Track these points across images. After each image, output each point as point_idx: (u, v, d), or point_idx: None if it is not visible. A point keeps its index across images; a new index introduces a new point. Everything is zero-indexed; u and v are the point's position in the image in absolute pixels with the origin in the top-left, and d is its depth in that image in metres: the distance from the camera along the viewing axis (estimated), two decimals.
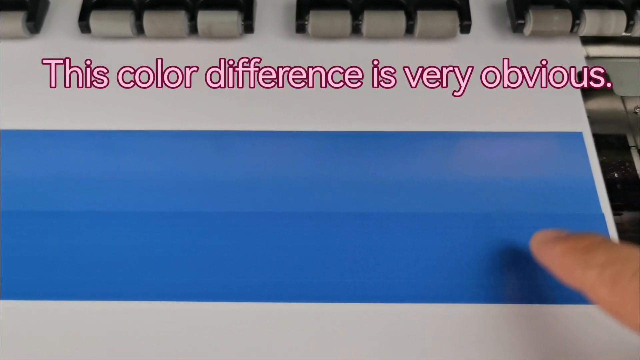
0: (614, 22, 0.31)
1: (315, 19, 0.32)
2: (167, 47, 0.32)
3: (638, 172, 0.29)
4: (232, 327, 0.25)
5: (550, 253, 0.23)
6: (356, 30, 0.32)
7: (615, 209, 0.28)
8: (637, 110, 0.31)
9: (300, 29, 0.32)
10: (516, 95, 0.31)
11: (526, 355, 0.24)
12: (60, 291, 0.26)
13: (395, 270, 0.26)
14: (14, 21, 0.32)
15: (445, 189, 0.28)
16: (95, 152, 0.29)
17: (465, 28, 0.32)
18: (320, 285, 0.26)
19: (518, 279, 0.26)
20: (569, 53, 0.32)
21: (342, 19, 0.31)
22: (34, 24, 0.32)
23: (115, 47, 0.33)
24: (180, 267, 0.26)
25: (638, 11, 0.31)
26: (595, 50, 0.33)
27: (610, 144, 0.30)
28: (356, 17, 0.32)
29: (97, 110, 0.30)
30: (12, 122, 0.30)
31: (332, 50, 0.32)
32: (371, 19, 0.31)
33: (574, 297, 0.25)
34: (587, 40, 0.33)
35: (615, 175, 0.29)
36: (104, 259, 0.26)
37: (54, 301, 0.25)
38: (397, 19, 0.31)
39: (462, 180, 0.28)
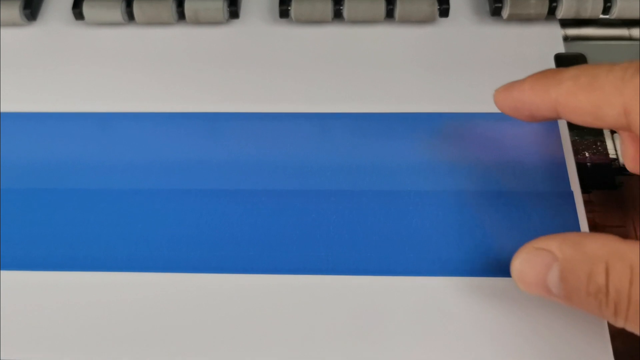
0: (591, 4, 0.32)
1: (298, 5, 0.33)
2: (157, 33, 0.34)
3: (609, 151, 0.29)
4: (214, 298, 0.26)
5: (520, 88, 0.23)
6: (338, 15, 0.33)
7: (585, 187, 0.28)
8: None
9: (284, 14, 0.33)
10: (492, 77, 0.31)
11: (494, 326, 0.25)
12: (60, 262, 0.27)
13: (368, 244, 0.27)
14: (12, 9, 0.33)
15: (418, 168, 0.29)
16: (92, 133, 0.31)
17: (444, 12, 0.32)
18: (297, 258, 0.27)
19: (487, 252, 0.27)
20: (548, 35, 0.33)
21: (323, 4, 0.33)
22: (31, 11, 0.34)
23: (108, 33, 0.34)
24: (167, 242, 0.28)
25: None
26: (574, 32, 0.33)
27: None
28: (338, 2, 0.33)
29: (92, 94, 0.32)
30: (12, 105, 0.32)
31: (315, 34, 0.33)
32: (352, 4, 0.32)
33: None
34: (566, 23, 0.33)
35: (586, 154, 0.29)
36: (103, 234, 0.28)
37: (59, 272, 0.27)
38: (377, 4, 0.32)
39: (435, 159, 0.29)
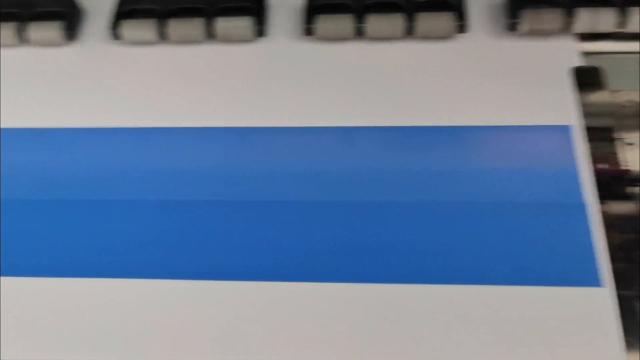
0: (607, 18, 0.33)
1: (322, 23, 0.34)
2: (188, 51, 0.36)
3: (623, 163, 0.30)
4: (243, 304, 0.28)
5: None
6: (360, 32, 0.34)
7: (601, 198, 0.29)
8: (628, 104, 0.32)
9: (309, 32, 0.35)
10: (510, 91, 0.33)
11: (511, 332, 0.26)
12: (65, 269, 0.29)
13: (392, 253, 0.29)
14: (53, 30, 0.36)
15: (439, 180, 0.30)
16: (127, 147, 0.33)
17: (462, 28, 0.34)
18: (322, 267, 0.29)
19: (508, 261, 0.28)
20: (564, 50, 0.34)
21: (346, 22, 0.34)
22: (71, 32, 0.36)
23: (142, 51, 0.36)
24: (197, 250, 0.29)
25: (630, 7, 0.33)
26: (590, 46, 0.34)
27: (598, 136, 0.31)
28: (360, 20, 0.34)
29: (128, 109, 0.34)
30: (53, 122, 0.34)
31: (338, 51, 0.35)
32: (373, 22, 0.34)
33: (560, 279, 0.27)
34: (583, 37, 0.34)
35: (601, 166, 0.30)
36: (122, 242, 0.30)
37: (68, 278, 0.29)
38: (397, 21, 0.34)
39: (455, 171, 0.31)
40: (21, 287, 0.29)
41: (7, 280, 0.29)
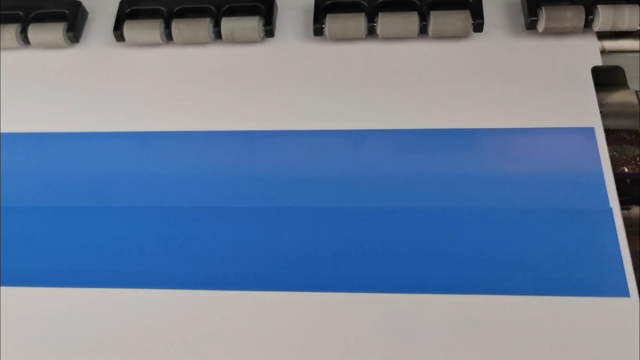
0: (628, 16, 0.31)
1: (332, 22, 0.33)
2: (194, 52, 0.35)
3: None
4: (250, 314, 0.27)
5: None
6: (371, 32, 0.33)
7: (624, 203, 0.28)
8: None
9: (318, 32, 0.34)
10: (529, 92, 0.31)
11: (527, 344, 0.25)
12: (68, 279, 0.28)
13: (402, 261, 0.27)
14: (56, 32, 0.35)
15: (453, 185, 0.29)
16: (131, 151, 0.32)
17: (478, 27, 0.32)
18: (330, 276, 0.27)
19: (524, 271, 0.27)
20: (584, 48, 0.33)
21: (357, 22, 0.33)
22: (74, 34, 0.35)
23: (147, 53, 0.35)
24: (200, 259, 0.28)
25: None
26: (611, 45, 0.33)
27: (622, 139, 0.30)
28: (371, 19, 0.33)
29: (132, 112, 0.33)
30: (55, 126, 0.33)
31: (349, 51, 0.34)
32: (385, 21, 0.33)
33: (585, 288, 0.26)
34: (602, 35, 0.33)
35: (625, 170, 0.29)
36: (124, 250, 0.29)
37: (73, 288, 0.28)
38: (410, 20, 0.33)
39: (470, 176, 0.29)
40: (22, 297, 0.28)
41: (7, 290, 0.28)
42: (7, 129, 0.33)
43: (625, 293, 0.26)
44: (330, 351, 0.26)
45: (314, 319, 0.27)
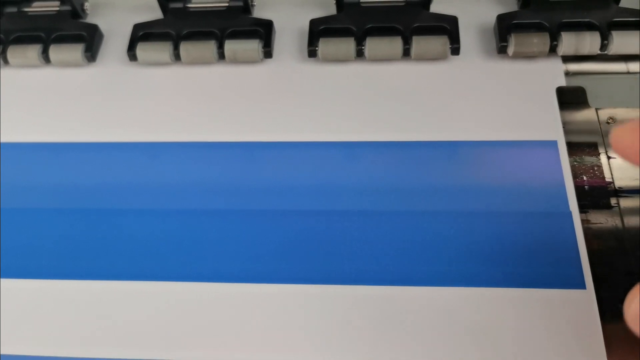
0: (589, 42, 0.35)
1: (324, 46, 0.37)
2: (200, 71, 0.38)
3: (605, 175, 0.33)
4: (250, 305, 0.30)
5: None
6: (360, 54, 0.37)
7: (582, 207, 0.31)
8: (610, 121, 0.34)
9: (312, 54, 0.37)
10: (500, 109, 0.35)
11: (505, 336, 0.28)
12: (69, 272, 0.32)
13: (387, 257, 0.31)
14: (75, 52, 0.38)
15: (432, 191, 0.33)
16: (137, 159, 0.35)
17: (455, 50, 0.36)
18: (322, 270, 0.31)
19: (495, 266, 0.30)
20: (550, 70, 0.36)
21: (347, 45, 0.37)
22: (91, 54, 0.39)
23: (157, 72, 0.39)
24: (204, 254, 0.32)
25: (612, 32, 0.35)
26: (574, 67, 0.37)
27: (582, 150, 0.33)
28: (360, 43, 0.37)
29: (143, 125, 0.37)
30: (74, 136, 0.36)
31: (340, 72, 0.38)
32: (372, 45, 0.37)
33: (547, 281, 0.29)
34: (567, 59, 0.37)
35: (584, 178, 0.33)
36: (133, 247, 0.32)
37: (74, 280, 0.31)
38: (395, 44, 0.36)
39: (448, 183, 0.33)
40: (22, 288, 0.31)
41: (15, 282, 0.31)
42: (29, 138, 0.36)
43: (582, 286, 0.29)
44: (322, 338, 0.29)
45: (310, 308, 0.30)
